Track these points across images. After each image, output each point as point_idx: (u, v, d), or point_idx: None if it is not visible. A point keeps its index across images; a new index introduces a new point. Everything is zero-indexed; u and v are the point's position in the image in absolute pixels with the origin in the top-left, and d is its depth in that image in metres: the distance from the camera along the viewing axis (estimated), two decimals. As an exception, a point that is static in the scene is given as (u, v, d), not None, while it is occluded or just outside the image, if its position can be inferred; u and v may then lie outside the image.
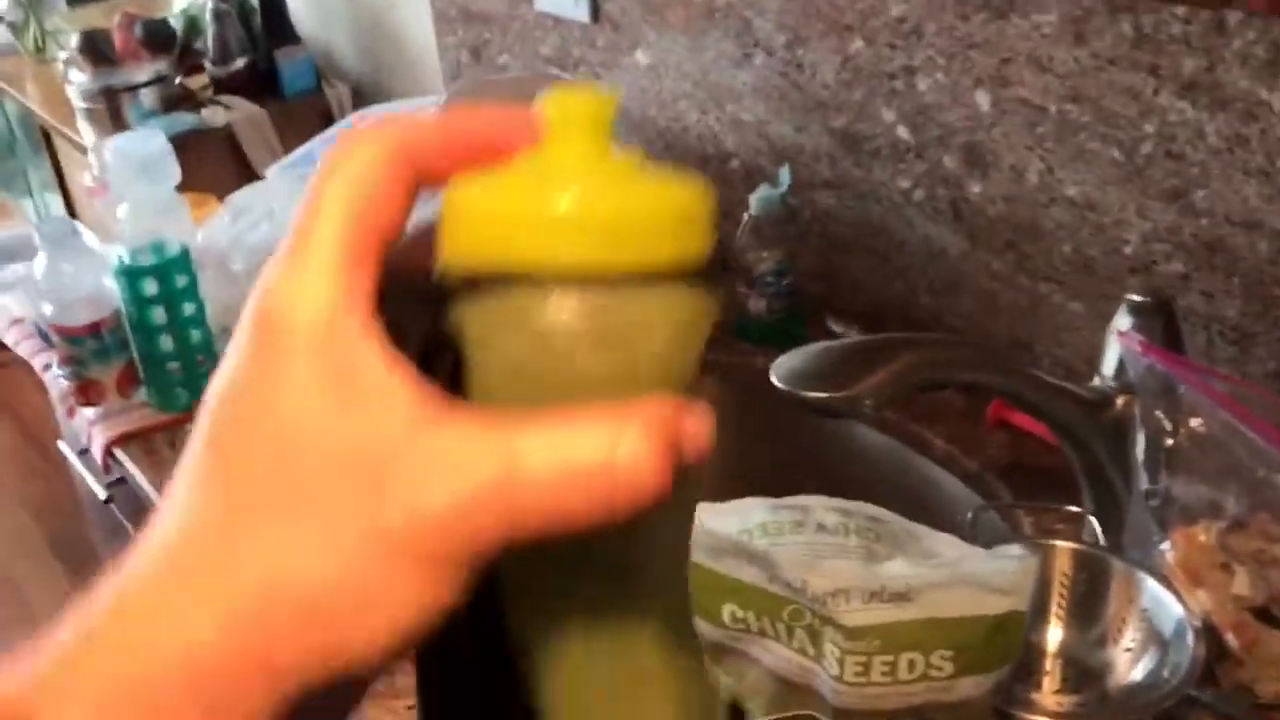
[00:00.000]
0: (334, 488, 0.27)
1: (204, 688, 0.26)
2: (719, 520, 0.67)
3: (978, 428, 1.10)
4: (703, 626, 0.62)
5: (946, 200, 1.16)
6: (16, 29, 2.46)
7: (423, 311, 0.29)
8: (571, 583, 0.30)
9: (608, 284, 0.28)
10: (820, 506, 0.69)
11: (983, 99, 1.09)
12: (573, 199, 0.28)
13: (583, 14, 1.53)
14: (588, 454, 0.26)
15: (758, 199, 1.24)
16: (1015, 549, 0.76)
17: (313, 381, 0.27)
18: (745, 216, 1.25)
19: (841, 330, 1.25)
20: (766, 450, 1.28)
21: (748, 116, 1.35)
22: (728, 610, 0.63)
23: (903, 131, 1.18)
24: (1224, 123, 0.92)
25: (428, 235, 0.30)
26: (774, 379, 0.80)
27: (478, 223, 0.29)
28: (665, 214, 0.29)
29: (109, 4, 2.47)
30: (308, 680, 0.27)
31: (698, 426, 0.28)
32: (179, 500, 0.28)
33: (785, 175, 1.27)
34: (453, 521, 0.26)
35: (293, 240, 0.29)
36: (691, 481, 0.30)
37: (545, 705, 0.31)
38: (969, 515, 0.89)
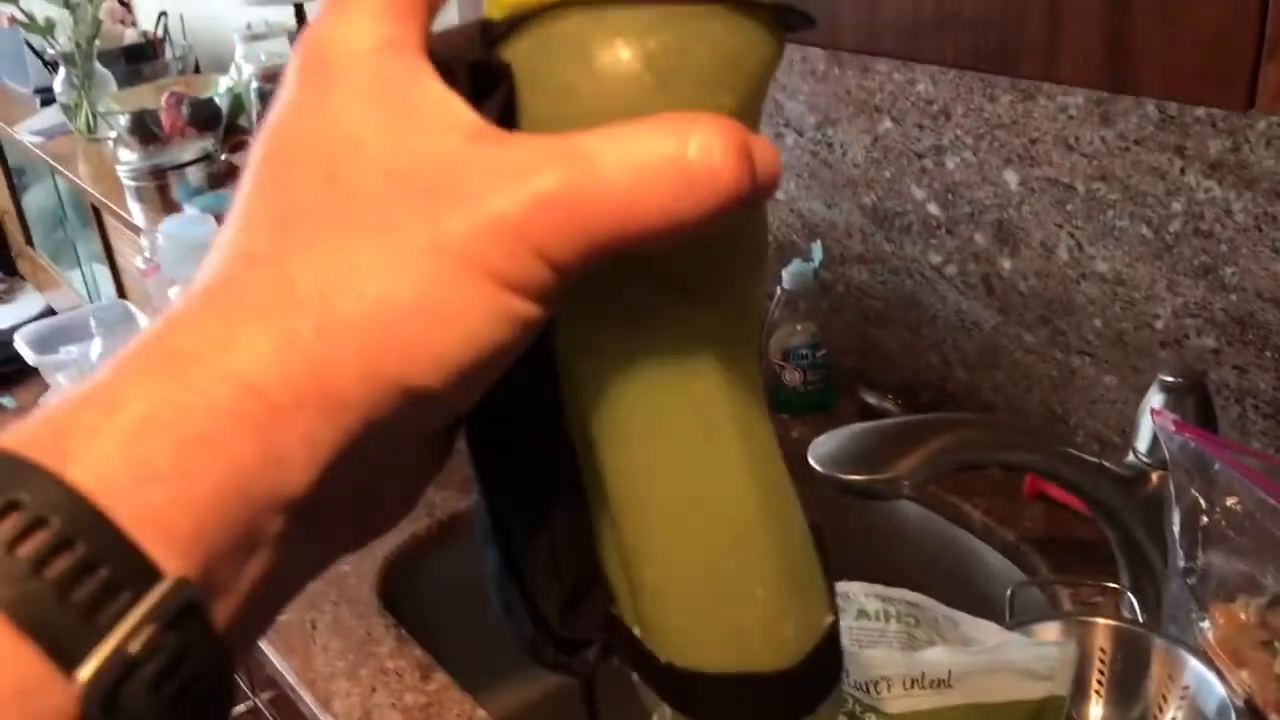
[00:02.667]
0: (391, 202, 0.25)
1: (258, 418, 0.24)
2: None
3: (1015, 500, 1.11)
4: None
5: (978, 275, 1.18)
6: (69, 110, 2.53)
7: (469, 59, 0.28)
8: (633, 311, 0.29)
9: (659, 7, 0.27)
10: (861, 593, 0.70)
11: (1011, 177, 1.11)
12: None
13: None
14: (660, 149, 0.25)
15: (790, 273, 1.27)
16: (1055, 634, 0.77)
17: (366, 102, 0.26)
18: (778, 291, 1.27)
19: (875, 402, 1.26)
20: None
21: (779, 194, 1.38)
22: (771, 698, 0.65)
23: (933, 208, 1.20)
24: (1251, 201, 0.93)
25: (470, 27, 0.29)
26: (812, 462, 0.81)
27: None
28: None
29: (157, 85, 2.54)
30: (371, 413, 0.25)
31: (764, 147, 0.26)
32: (230, 230, 0.27)
33: (817, 250, 1.29)
34: (520, 227, 0.25)
35: None
36: (759, 213, 0.30)
37: (597, 436, 0.30)
38: (1008, 592, 0.90)
